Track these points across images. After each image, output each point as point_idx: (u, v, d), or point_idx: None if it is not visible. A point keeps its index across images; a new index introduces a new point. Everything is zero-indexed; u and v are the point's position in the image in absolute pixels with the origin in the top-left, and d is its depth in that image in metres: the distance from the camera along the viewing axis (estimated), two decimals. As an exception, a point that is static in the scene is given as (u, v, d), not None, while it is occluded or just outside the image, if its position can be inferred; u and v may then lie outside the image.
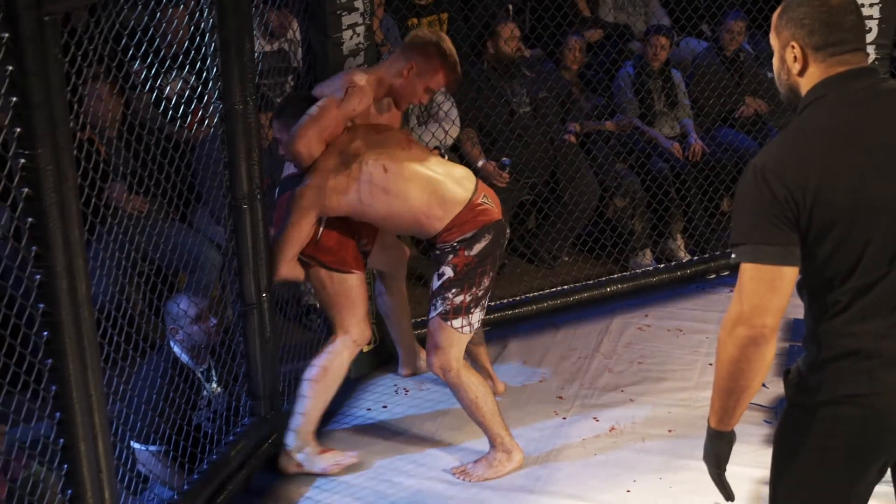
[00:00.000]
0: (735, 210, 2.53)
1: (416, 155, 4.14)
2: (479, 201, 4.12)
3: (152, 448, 3.90)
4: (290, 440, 4.26)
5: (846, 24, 2.53)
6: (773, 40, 2.62)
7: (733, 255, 2.51)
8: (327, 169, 4.02)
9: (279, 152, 4.19)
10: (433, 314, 4.15)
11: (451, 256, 4.09)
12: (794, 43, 2.54)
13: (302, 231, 4.06)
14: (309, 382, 4.22)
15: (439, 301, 4.12)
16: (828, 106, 2.50)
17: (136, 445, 3.90)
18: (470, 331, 4.17)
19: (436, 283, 4.13)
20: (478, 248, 4.09)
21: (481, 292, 4.14)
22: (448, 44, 4.17)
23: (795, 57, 2.55)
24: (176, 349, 4.06)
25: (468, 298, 4.10)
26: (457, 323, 4.12)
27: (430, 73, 4.16)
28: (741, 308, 2.48)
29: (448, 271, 4.09)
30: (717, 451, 2.74)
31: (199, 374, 4.11)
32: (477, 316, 4.16)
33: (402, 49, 4.21)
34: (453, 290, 4.10)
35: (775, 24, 2.60)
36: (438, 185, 4.09)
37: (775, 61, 2.63)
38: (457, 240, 4.08)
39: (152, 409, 3.84)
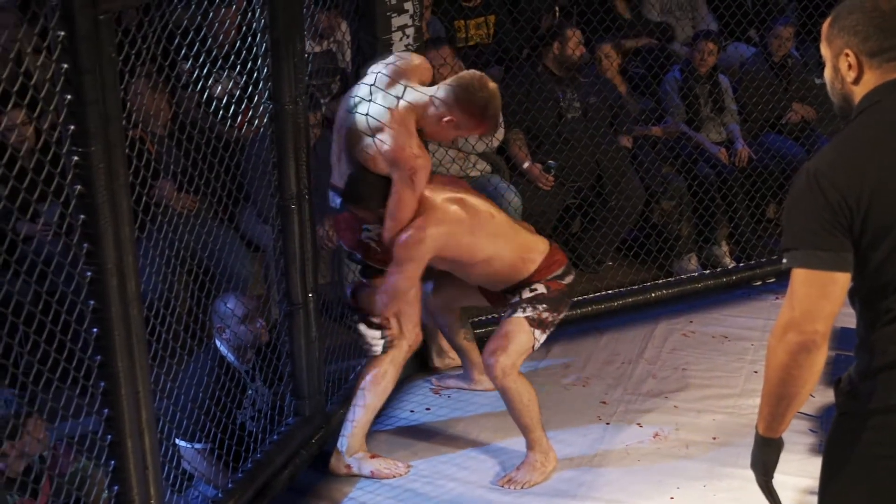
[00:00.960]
0: (787, 215, 2.50)
1: (493, 209, 4.20)
2: (555, 245, 4.26)
3: (197, 446, 3.92)
4: (342, 444, 4.28)
5: None
6: (825, 50, 2.58)
7: (784, 260, 2.48)
8: (436, 233, 3.98)
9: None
10: (519, 314, 4.14)
11: (543, 282, 4.16)
12: (848, 51, 2.51)
13: (415, 281, 4.06)
14: (364, 390, 4.23)
15: (529, 307, 4.14)
16: (882, 111, 2.47)
17: (182, 443, 3.92)
18: (536, 348, 4.22)
19: (527, 294, 4.14)
20: (568, 279, 4.22)
21: (558, 321, 4.24)
22: (497, 103, 3.98)
23: (850, 65, 2.51)
24: (222, 348, 4.08)
25: (551, 319, 4.18)
26: (537, 334, 4.16)
27: (467, 128, 4.03)
28: (792, 314, 2.45)
29: (541, 288, 4.15)
30: (765, 458, 2.71)
31: (244, 374, 4.13)
32: (543, 340, 4.22)
33: (451, 94, 3.94)
34: (544, 305, 4.15)
35: (826, 34, 2.56)
36: (523, 236, 4.19)
37: (828, 71, 2.59)
38: (549, 277, 4.16)
39: (198, 406, 3.86)
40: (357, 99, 4.01)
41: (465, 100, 3.93)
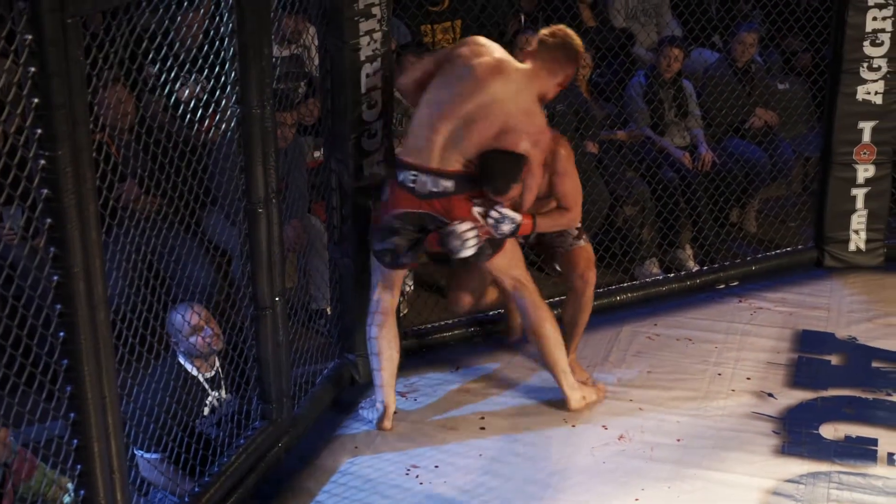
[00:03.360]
0: None
1: None
2: None
3: (151, 456, 3.90)
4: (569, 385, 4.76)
5: None
6: None
7: None
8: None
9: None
10: (580, 243, 4.89)
11: None
12: None
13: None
14: (545, 339, 4.66)
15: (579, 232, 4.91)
16: None
17: (139, 453, 3.91)
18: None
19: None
20: None
21: None
22: None
23: None
24: (181, 357, 4.06)
25: None
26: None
27: (567, 80, 4.54)
28: None
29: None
30: None
31: (204, 382, 4.12)
32: None
33: (559, 56, 4.44)
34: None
35: None
36: None
37: None
38: None
39: (154, 418, 3.84)
40: (497, 87, 4.34)
41: (573, 55, 4.48)
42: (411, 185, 4.35)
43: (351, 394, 4.88)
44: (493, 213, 4.40)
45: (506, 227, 4.43)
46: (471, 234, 4.36)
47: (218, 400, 4.16)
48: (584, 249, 4.92)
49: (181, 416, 3.93)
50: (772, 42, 6.56)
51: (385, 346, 4.61)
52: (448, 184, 4.35)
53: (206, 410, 4.12)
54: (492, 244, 4.47)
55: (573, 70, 4.52)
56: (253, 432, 4.18)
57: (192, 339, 4.02)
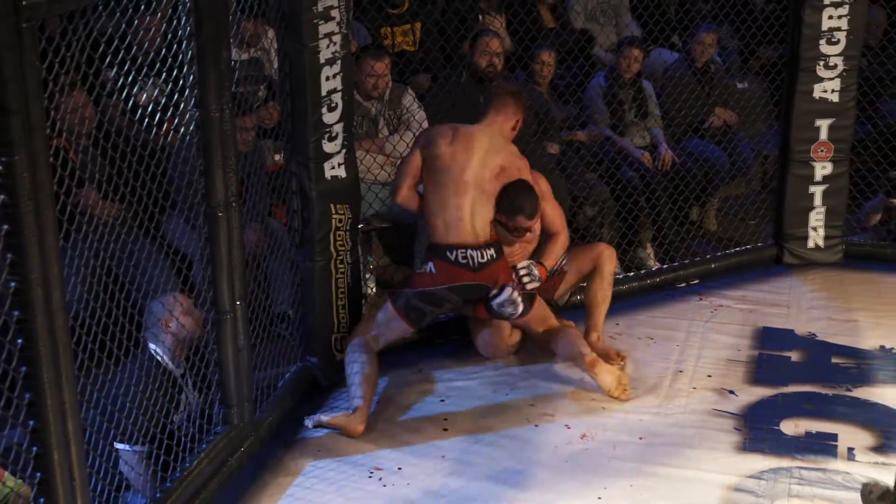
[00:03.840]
0: None
1: None
2: None
3: (136, 448, 3.88)
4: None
5: None
6: None
7: None
8: None
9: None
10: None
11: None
12: None
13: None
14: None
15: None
16: None
17: (120, 446, 3.88)
18: None
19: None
20: None
21: None
22: None
23: None
24: (157, 349, 4.04)
25: None
26: None
27: (519, 127, 5.01)
28: None
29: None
30: None
31: (179, 378, 4.10)
32: None
33: (512, 105, 4.94)
34: None
35: None
36: None
37: None
38: None
39: (138, 405, 3.82)
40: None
41: (522, 102, 5.00)
42: (463, 260, 4.75)
43: (313, 397, 4.88)
44: (520, 266, 4.90)
45: (536, 271, 4.91)
46: (516, 294, 4.77)
47: (187, 397, 4.14)
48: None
49: (163, 403, 3.91)
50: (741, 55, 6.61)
51: (371, 363, 4.72)
52: (491, 252, 4.80)
53: (182, 406, 4.11)
54: (527, 298, 4.86)
55: (522, 117, 5.00)
56: (215, 437, 4.16)
57: (189, 319, 4.04)
